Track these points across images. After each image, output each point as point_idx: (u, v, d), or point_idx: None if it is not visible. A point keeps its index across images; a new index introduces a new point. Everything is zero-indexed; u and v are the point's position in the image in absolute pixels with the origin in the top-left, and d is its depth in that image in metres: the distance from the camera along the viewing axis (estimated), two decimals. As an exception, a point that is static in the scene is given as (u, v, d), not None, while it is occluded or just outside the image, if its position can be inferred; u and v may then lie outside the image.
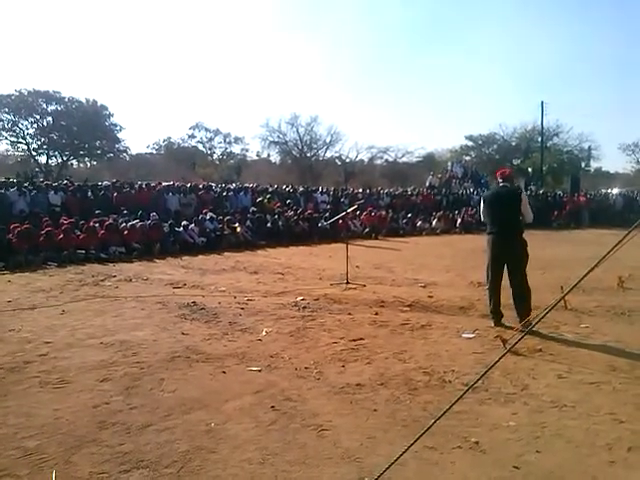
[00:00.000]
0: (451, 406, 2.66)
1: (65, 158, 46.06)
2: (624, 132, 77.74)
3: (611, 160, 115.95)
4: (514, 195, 6.38)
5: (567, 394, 4.22)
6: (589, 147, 49.02)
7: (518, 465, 3.10)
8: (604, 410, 3.90)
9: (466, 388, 3.41)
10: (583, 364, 4.94)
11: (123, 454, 3.27)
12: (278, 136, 54.36)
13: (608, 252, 4.08)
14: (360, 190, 26.65)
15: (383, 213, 21.43)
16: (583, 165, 48.69)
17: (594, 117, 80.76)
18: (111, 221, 14.20)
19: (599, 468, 3.08)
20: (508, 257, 6.25)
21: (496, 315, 6.38)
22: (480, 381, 4.04)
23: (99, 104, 46.57)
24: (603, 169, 56.92)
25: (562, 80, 77.52)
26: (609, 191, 32.43)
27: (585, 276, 3.61)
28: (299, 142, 54.54)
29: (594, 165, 52.53)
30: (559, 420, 3.74)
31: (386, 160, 56.35)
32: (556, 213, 25.09)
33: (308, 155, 54.76)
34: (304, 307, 7.45)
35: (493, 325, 6.33)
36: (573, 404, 4.01)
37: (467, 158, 50.19)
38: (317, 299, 8.01)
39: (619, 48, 77.72)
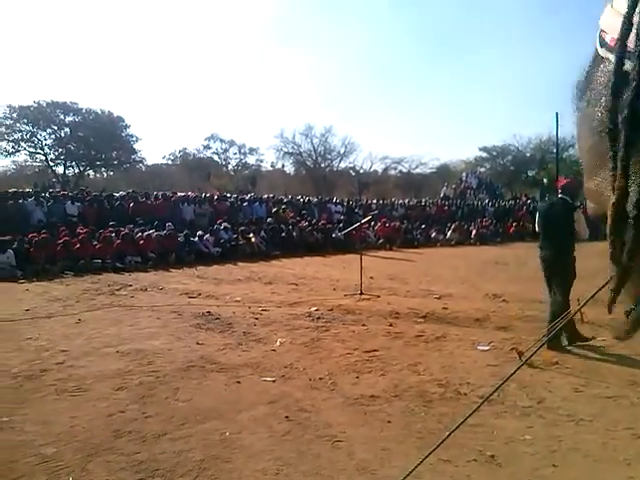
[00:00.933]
0: (466, 418, 2.64)
1: (82, 168, 46.58)
2: None
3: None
4: (568, 211, 6.04)
5: (584, 408, 4.17)
6: (604, 158, 48.59)
7: (534, 479, 3.07)
8: (622, 425, 3.85)
9: (481, 401, 3.39)
10: (600, 378, 4.89)
11: (138, 462, 3.29)
12: (292, 147, 54.57)
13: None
14: (374, 201, 26.65)
15: (397, 224, 21.40)
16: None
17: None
18: (127, 231, 14.33)
19: (617, 483, 3.05)
20: (553, 273, 5.99)
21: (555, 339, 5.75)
22: (496, 394, 4.02)
23: (115, 115, 47.14)
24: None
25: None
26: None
27: (602, 288, 3.56)
28: (313, 153, 54.68)
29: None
30: (576, 434, 3.70)
31: (400, 171, 56.24)
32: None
33: (322, 166, 54.85)
34: (318, 318, 7.46)
35: (547, 347, 5.64)
36: (590, 418, 3.97)
37: (482, 169, 50.00)
38: (331, 310, 8.00)
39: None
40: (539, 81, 75.84)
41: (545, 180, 45.86)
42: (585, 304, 4.76)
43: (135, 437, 3.66)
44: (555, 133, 44.40)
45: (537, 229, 6.45)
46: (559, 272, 5.95)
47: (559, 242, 6.04)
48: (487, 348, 5.89)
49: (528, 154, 52.21)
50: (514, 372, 2.96)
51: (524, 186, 47.37)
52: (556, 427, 3.82)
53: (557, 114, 42.90)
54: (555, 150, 45.66)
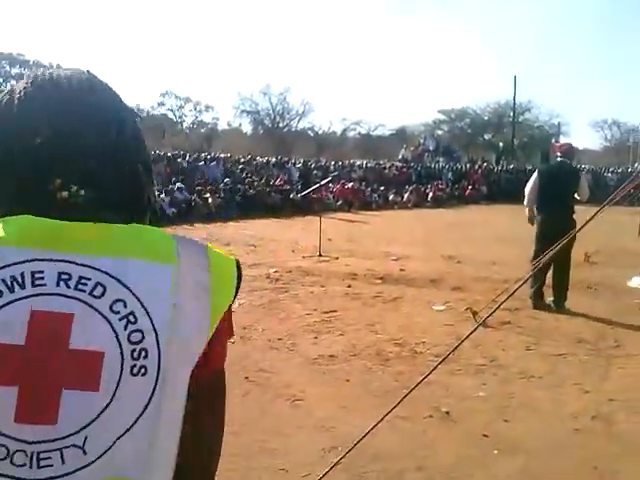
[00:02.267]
0: (425, 377, 2.70)
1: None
2: (594, 109, 78.88)
3: (581, 136, 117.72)
4: (575, 172, 6.14)
5: (535, 365, 4.33)
6: (559, 123, 49.67)
7: (487, 434, 3.19)
8: (570, 381, 4.02)
9: (438, 359, 3.47)
10: (550, 336, 5.08)
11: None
12: (250, 105, 53.66)
13: (580, 228, 4.17)
14: (332, 162, 26.54)
15: (356, 186, 21.43)
16: (553, 141, 49.38)
17: (566, 93, 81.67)
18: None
19: (565, 436, 3.19)
20: (558, 234, 5.96)
21: (537, 296, 6.08)
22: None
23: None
24: (573, 145, 57.75)
25: (535, 57, 78.05)
26: (579, 166, 32.93)
27: (553, 251, 3.68)
28: (272, 112, 53.90)
29: (564, 141, 53.26)
30: (527, 390, 3.85)
31: (359, 133, 56.15)
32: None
33: (280, 126, 54.23)
34: (277, 279, 7.46)
35: (532, 307, 6.03)
36: (540, 375, 4.13)
37: (440, 132, 50.35)
38: (290, 271, 8.01)
39: (588, 26, 78.30)
40: (499, 44, 76.26)
41: (500, 144, 46.65)
42: (539, 267, 4.90)
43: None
44: (513, 97, 45.31)
45: (528, 192, 6.33)
46: (564, 232, 5.92)
47: (565, 203, 6.00)
48: (442, 308, 6.03)
49: (486, 117, 52.79)
50: (470, 333, 3.04)
51: (481, 149, 48.00)
52: (508, 384, 3.96)
53: (515, 77, 43.62)
54: (512, 114, 46.46)
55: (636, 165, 34.00)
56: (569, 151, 6.37)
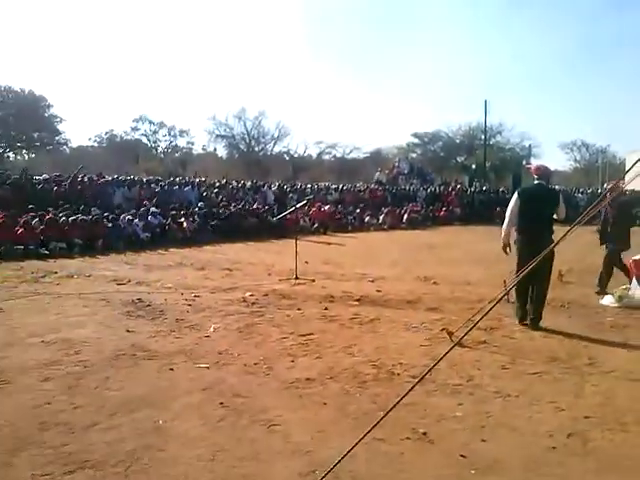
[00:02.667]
0: (401, 399, 2.70)
1: (1, 150, 44.13)
2: (563, 131, 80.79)
3: (551, 158, 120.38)
4: (554, 194, 6.28)
5: (511, 384, 4.35)
6: (530, 145, 50.77)
7: (464, 454, 3.18)
8: (546, 399, 4.04)
9: (415, 380, 3.47)
10: (525, 355, 5.11)
11: (67, 454, 3.17)
12: (225, 130, 53.78)
13: (552, 246, 4.25)
14: (308, 185, 26.66)
15: (332, 208, 21.53)
16: (524, 162, 50.35)
17: (535, 116, 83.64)
18: (51, 215, 13.66)
19: (541, 454, 3.20)
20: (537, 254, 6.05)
21: (522, 313, 6.24)
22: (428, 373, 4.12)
23: (38, 94, 44.87)
24: (548, 167, 58.98)
25: (505, 80, 79.93)
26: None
27: (527, 270, 3.73)
28: (246, 136, 54.11)
29: (535, 163, 54.35)
30: (503, 409, 3.86)
31: (334, 156, 56.66)
32: (498, 209, 25.86)
33: (256, 149, 54.39)
34: (253, 303, 7.40)
35: (518, 323, 6.19)
36: (516, 394, 4.15)
37: (413, 155, 51.10)
38: (266, 295, 7.97)
39: (556, 49, 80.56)
40: (469, 69, 78.02)
41: (473, 166, 47.39)
42: (513, 286, 4.95)
43: (63, 429, 3.52)
44: (484, 120, 46.22)
45: (508, 214, 6.39)
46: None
47: (544, 223, 6.11)
48: (421, 327, 6.02)
49: (458, 140, 53.77)
50: (446, 353, 3.05)
51: (454, 172, 48.75)
52: (485, 403, 3.96)
53: (486, 102, 44.54)
54: (483, 137, 47.34)
55: (605, 186, 34.80)
56: (545, 173, 6.46)
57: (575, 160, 59.96)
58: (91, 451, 3.21)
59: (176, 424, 3.60)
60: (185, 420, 3.66)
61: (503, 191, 30.35)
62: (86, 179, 18.09)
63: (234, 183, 23.57)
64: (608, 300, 7.39)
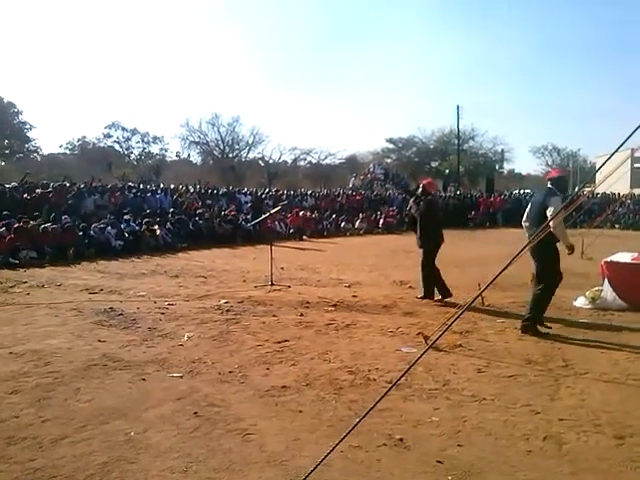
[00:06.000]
0: (375, 404, 2.66)
1: (-31, 158, 43.24)
2: (534, 135, 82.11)
3: (523, 162, 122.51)
4: (544, 197, 6.09)
5: (486, 388, 4.36)
6: (502, 150, 51.55)
7: (441, 459, 3.16)
8: (521, 402, 4.05)
9: (390, 386, 3.44)
10: (501, 358, 5.13)
11: (34, 470, 3.06)
12: (199, 136, 53.48)
13: (521, 250, 4.26)
14: (284, 191, 26.62)
15: (308, 214, 21.51)
16: (497, 167, 51.13)
17: (506, 120, 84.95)
18: (21, 224, 13.35)
19: (517, 458, 3.19)
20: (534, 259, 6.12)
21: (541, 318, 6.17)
22: (403, 378, 4.10)
23: (6, 101, 44.06)
24: (516, 171, 59.99)
25: (475, 84, 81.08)
26: (521, 192, 33.97)
27: (500, 273, 3.73)
28: (221, 142, 53.88)
29: (507, 167, 55.23)
30: (479, 413, 3.85)
31: (309, 162, 56.72)
32: (472, 213, 26.16)
33: (230, 156, 54.15)
34: (227, 310, 7.32)
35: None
36: (492, 397, 4.15)
37: (388, 160, 51.40)
38: (241, 302, 7.89)
39: (526, 53, 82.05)
40: (442, 75, 78.94)
41: (447, 171, 47.92)
42: (486, 288, 4.99)
43: (31, 443, 3.40)
44: (456, 125, 46.77)
45: (525, 220, 6.48)
46: (538, 257, 6.11)
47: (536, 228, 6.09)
48: (414, 350, 5.38)
49: (432, 146, 54.28)
50: (420, 357, 3.02)
51: (428, 176, 49.12)
52: (461, 408, 3.95)
53: (458, 107, 45.10)
54: (457, 142, 47.88)
55: (576, 189, 35.41)
56: (555, 178, 6.33)
57: (547, 164, 60.98)
58: (60, 466, 3.11)
59: (148, 435, 3.51)
60: (158, 431, 3.57)
61: (476, 196, 30.73)
62: (57, 186, 17.68)
63: (208, 189, 23.35)
64: (581, 302, 7.48)
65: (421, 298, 7.92)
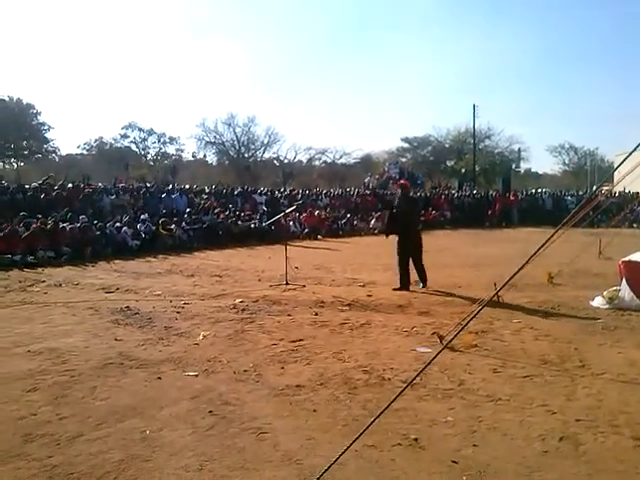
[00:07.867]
0: (390, 404, 2.66)
1: (-11, 159, 43.83)
2: (552, 134, 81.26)
3: (539, 161, 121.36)
4: None
5: (502, 388, 4.32)
6: (519, 149, 51.05)
7: (456, 460, 3.14)
8: (537, 402, 4.01)
9: (404, 385, 3.43)
10: (516, 358, 5.09)
11: (52, 467, 3.10)
12: (215, 136, 53.69)
13: (538, 249, 4.22)
14: (299, 191, 26.64)
15: (323, 214, 21.50)
16: (513, 166, 50.62)
17: (523, 119, 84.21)
18: (38, 223, 13.52)
19: (533, 458, 3.16)
20: None
21: None
22: (418, 378, 4.08)
23: (25, 102, 44.61)
24: (532, 170, 59.42)
25: (492, 84, 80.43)
26: (538, 191, 33.65)
27: (517, 273, 3.71)
28: (236, 142, 54.01)
29: (523, 166, 54.72)
30: (494, 414, 3.82)
31: (324, 161, 56.67)
32: (488, 212, 25.96)
33: (246, 156, 54.30)
34: (243, 309, 7.35)
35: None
36: (508, 397, 4.11)
37: (403, 159, 51.18)
38: (256, 301, 7.91)
39: (543, 52, 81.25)
40: (458, 74, 78.48)
41: (463, 170, 47.63)
42: (502, 288, 4.94)
43: (48, 440, 3.45)
44: (472, 125, 46.47)
45: None
46: None
47: None
48: (429, 350, 5.34)
49: (447, 145, 53.93)
50: (435, 356, 3.01)
51: (444, 175, 48.90)
52: (476, 408, 3.93)
53: (474, 106, 44.81)
54: (473, 141, 47.56)
55: (594, 188, 35.02)
56: None
57: (564, 163, 60.32)
58: (76, 463, 3.15)
59: (164, 434, 3.54)
60: (173, 429, 3.60)
61: (492, 195, 30.49)
62: (75, 187, 17.88)
63: (222, 189, 23.44)
64: (598, 302, 7.39)
65: (423, 287, 8.67)
